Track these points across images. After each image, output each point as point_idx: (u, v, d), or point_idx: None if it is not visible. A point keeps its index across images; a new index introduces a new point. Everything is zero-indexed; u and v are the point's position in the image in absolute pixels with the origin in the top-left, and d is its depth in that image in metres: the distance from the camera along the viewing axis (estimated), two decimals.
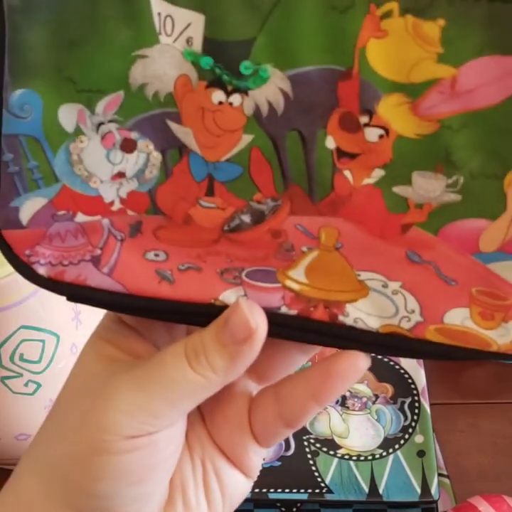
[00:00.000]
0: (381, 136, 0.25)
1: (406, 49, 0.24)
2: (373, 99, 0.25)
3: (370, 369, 0.59)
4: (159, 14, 0.25)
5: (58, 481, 0.27)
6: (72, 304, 0.50)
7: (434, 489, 0.50)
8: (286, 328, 0.28)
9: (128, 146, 0.27)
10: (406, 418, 0.55)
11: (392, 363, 0.59)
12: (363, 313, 0.28)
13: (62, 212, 0.28)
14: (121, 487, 0.27)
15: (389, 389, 0.57)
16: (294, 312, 0.28)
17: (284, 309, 0.28)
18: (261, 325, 0.26)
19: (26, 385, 0.49)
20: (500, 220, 0.26)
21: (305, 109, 0.25)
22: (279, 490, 0.50)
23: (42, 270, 0.28)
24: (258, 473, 0.32)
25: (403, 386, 0.57)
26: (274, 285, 0.28)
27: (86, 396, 0.28)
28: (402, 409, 0.55)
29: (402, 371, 0.58)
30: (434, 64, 0.24)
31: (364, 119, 0.25)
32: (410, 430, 0.54)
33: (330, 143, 0.26)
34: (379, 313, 0.27)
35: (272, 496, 0.50)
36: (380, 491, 0.50)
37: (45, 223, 0.28)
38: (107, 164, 0.27)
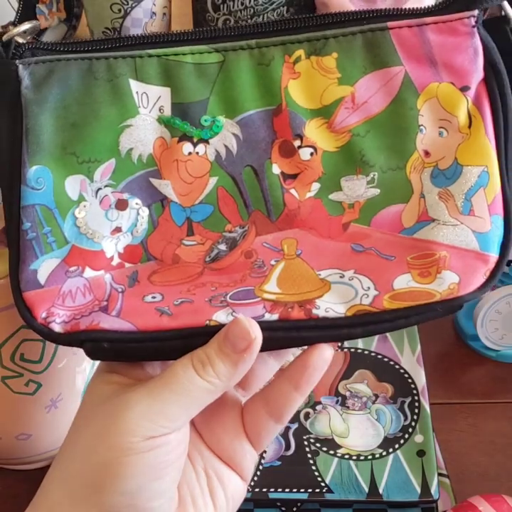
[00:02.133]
0: (312, 154, 0.33)
1: (315, 81, 0.32)
2: (301, 125, 0.32)
3: (370, 369, 0.59)
4: (137, 92, 0.32)
5: (87, 487, 0.31)
6: None
7: (433, 489, 0.50)
8: (271, 331, 0.32)
9: (121, 205, 0.33)
10: (406, 418, 0.55)
11: (392, 363, 0.59)
12: (330, 304, 0.32)
13: (73, 268, 0.33)
14: (146, 482, 0.31)
15: (389, 389, 0.57)
16: (275, 316, 0.32)
17: (267, 316, 0.32)
18: (258, 334, 0.31)
19: (27, 384, 0.49)
20: (412, 200, 0.33)
21: (253, 146, 0.33)
22: (279, 489, 0.50)
23: (58, 328, 0.32)
24: (251, 477, 0.37)
25: (403, 386, 0.57)
26: (255, 300, 0.33)
27: (105, 409, 0.32)
28: (402, 409, 0.55)
29: (402, 371, 0.58)
30: (336, 86, 0.32)
31: (297, 143, 0.32)
32: (410, 430, 0.54)
33: (275, 169, 0.33)
34: (343, 300, 0.32)
35: (272, 495, 0.50)
36: (380, 491, 0.50)
37: (60, 280, 0.33)
38: (106, 222, 0.33)
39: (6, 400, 0.49)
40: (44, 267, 0.32)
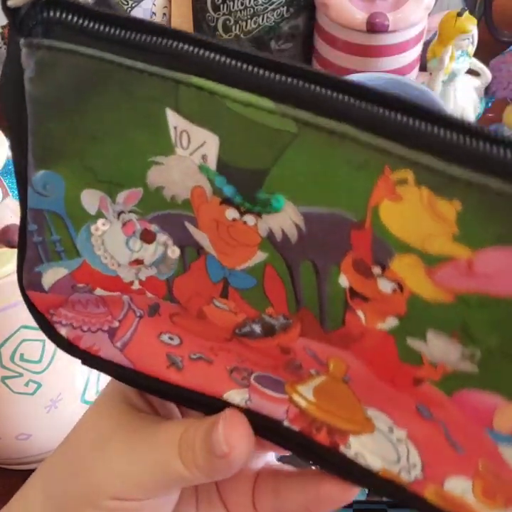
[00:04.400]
0: (395, 290, 0.24)
1: (420, 219, 0.22)
2: (386, 255, 0.23)
3: None
4: (175, 128, 0.24)
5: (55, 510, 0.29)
6: None
7: None
8: (287, 442, 0.28)
9: (147, 237, 0.27)
10: None
11: None
12: (365, 450, 0.27)
13: (81, 284, 0.28)
14: None
15: None
16: (295, 428, 0.27)
17: (286, 423, 0.27)
18: (238, 447, 0.26)
19: (27, 384, 0.49)
20: None
21: (319, 244, 0.24)
22: None
23: (63, 331, 0.29)
24: None
25: None
26: (281, 396, 0.27)
27: (89, 448, 0.29)
28: None
29: None
30: (449, 241, 0.22)
31: (377, 270, 0.24)
32: None
33: (343, 281, 0.24)
34: (381, 455, 0.26)
35: None
36: None
37: (66, 292, 0.28)
38: (125, 250, 0.27)
39: (6, 399, 0.49)
40: (50, 273, 0.28)
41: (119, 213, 0.26)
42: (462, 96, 0.72)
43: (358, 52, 0.71)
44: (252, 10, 0.75)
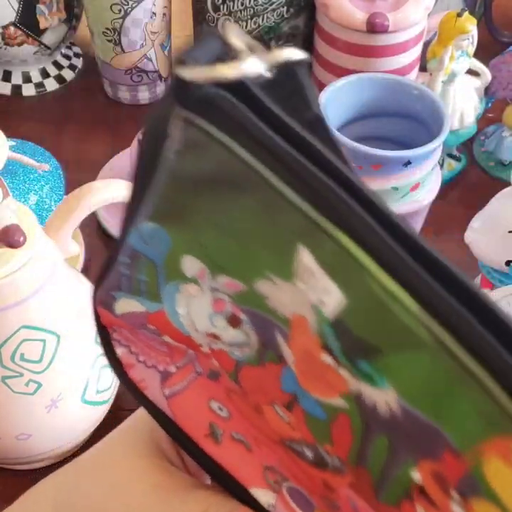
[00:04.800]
0: None
1: None
2: (472, 493, 0.21)
3: None
4: (303, 264, 0.22)
5: None
6: (72, 304, 0.50)
7: None
8: None
9: (234, 322, 0.25)
10: None
11: None
12: None
13: (152, 327, 0.27)
14: None
15: None
16: None
17: None
18: None
19: (27, 384, 0.49)
20: None
21: (406, 436, 0.22)
22: None
23: (119, 350, 0.28)
24: None
25: None
26: None
27: (106, 490, 0.28)
28: None
29: None
30: None
31: (456, 496, 0.21)
32: None
33: (416, 476, 0.22)
34: None
35: None
36: None
37: (135, 325, 0.27)
38: (207, 322, 0.26)
39: (6, 399, 0.49)
40: (125, 301, 0.27)
41: (214, 290, 0.25)
42: (462, 96, 0.72)
43: (358, 52, 0.72)
44: (252, 10, 0.75)
